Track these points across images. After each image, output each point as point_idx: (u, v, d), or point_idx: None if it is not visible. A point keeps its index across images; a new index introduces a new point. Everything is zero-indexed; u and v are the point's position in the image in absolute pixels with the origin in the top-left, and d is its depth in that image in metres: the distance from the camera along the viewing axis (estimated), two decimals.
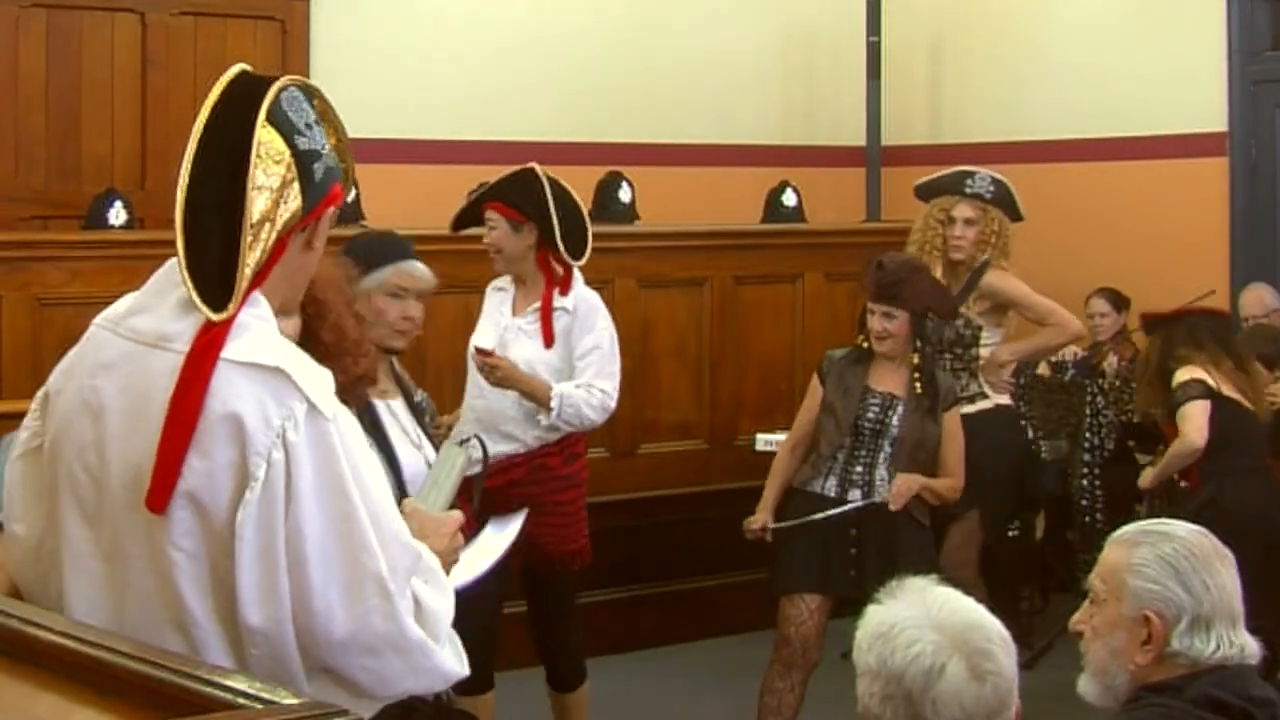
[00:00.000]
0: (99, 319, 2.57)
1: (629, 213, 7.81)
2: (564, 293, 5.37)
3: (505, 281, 5.51)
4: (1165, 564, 2.79)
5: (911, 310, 5.40)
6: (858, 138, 8.90)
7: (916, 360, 5.44)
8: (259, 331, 2.42)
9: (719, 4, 8.95)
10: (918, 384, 5.44)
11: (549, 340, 5.33)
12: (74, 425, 2.49)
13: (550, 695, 5.54)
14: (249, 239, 2.37)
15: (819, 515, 5.39)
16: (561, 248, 5.24)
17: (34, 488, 2.59)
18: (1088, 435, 7.22)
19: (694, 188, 8.64)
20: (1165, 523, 2.93)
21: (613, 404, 5.37)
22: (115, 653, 2.01)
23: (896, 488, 5.34)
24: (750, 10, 9.02)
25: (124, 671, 1.97)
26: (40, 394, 2.64)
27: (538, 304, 5.36)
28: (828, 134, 9.17)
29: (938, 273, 6.11)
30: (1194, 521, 2.95)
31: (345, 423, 2.43)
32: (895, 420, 5.42)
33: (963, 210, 6.14)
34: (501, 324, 5.38)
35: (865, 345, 5.53)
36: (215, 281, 2.38)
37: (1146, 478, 6.32)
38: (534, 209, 5.26)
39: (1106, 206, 8.41)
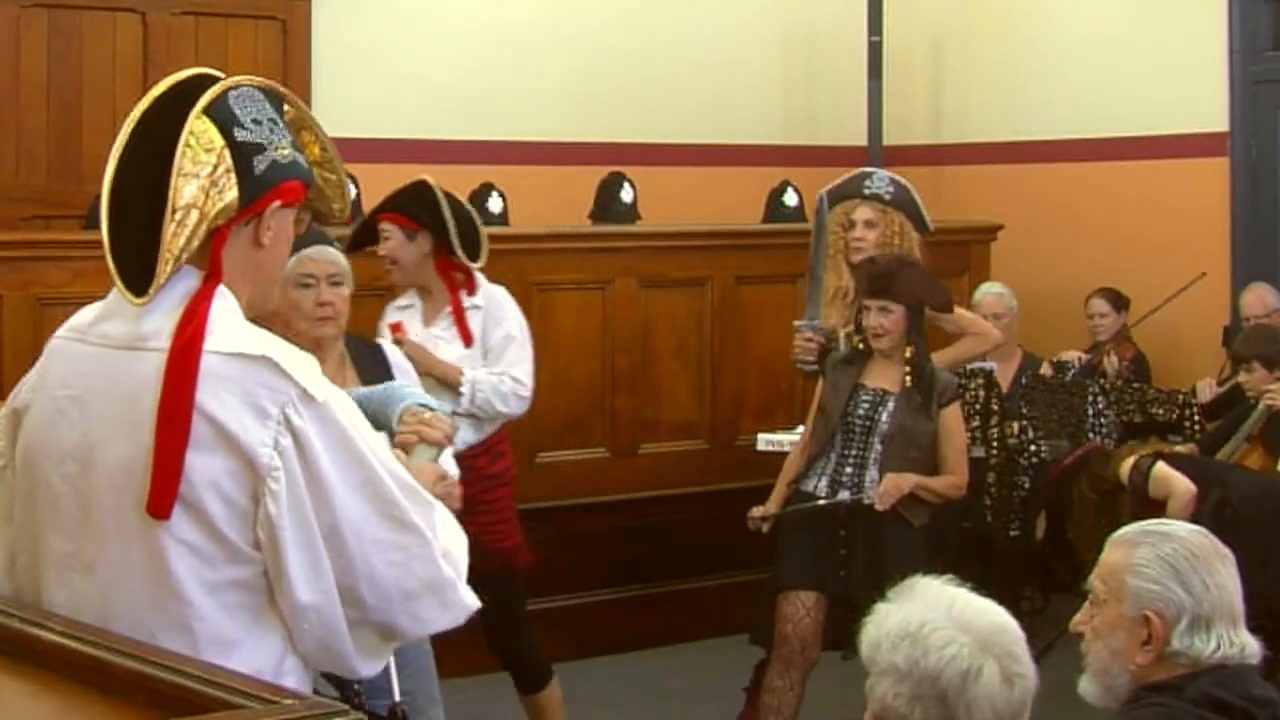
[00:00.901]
0: (60, 331, 2.59)
1: (630, 213, 7.81)
2: (470, 293, 5.44)
3: (408, 298, 5.51)
4: (1165, 564, 2.79)
5: (906, 303, 5.41)
6: (859, 138, 8.90)
7: (909, 354, 5.45)
8: (234, 323, 2.44)
9: (720, 4, 8.95)
10: (909, 378, 5.44)
11: (467, 340, 5.40)
12: (50, 437, 2.48)
13: (520, 698, 5.53)
14: (172, 225, 2.38)
15: (806, 506, 5.41)
16: (459, 250, 5.28)
17: (2, 509, 2.59)
18: (1089, 435, 7.22)
19: (695, 188, 8.64)
20: (1165, 523, 2.94)
21: (526, 394, 5.43)
22: (115, 652, 2.01)
23: (884, 488, 5.31)
24: (751, 10, 9.02)
25: (124, 671, 1.97)
26: (4, 412, 2.63)
27: (448, 309, 5.41)
28: (829, 134, 9.16)
29: (842, 279, 6.04)
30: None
31: (339, 399, 2.46)
32: (885, 417, 5.41)
33: (862, 213, 6.07)
34: (417, 337, 5.39)
35: (862, 346, 5.53)
36: (137, 267, 2.41)
37: None
38: (428, 215, 5.30)
39: (1106, 206, 8.41)
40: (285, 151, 2.51)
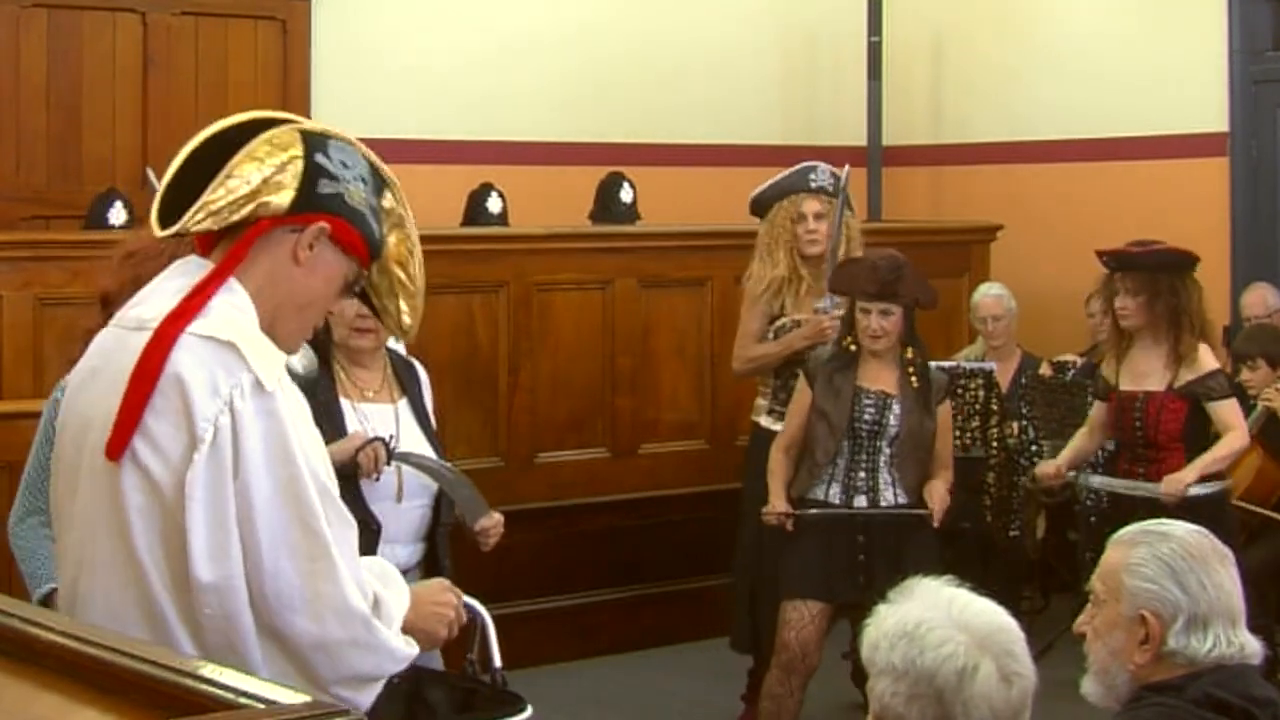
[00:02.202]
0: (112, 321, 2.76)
1: (630, 213, 7.81)
2: None
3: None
4: (1161, 564, 2.79)
5: (906, 305, 5.42)
6: (859, 138, 8.90)
7: (910, 354, 5.45)
8: (225, 313, 2.54)
9: (720, 4, 8.95)
10: (914, 379, 5.44)
11: None
12: (71, 405, 2.68)
13: None
14: (220, 187, 2.50)
15: (845, 511, 5.37)
16: None
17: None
18: None
19: (695, 188, 8.63)
20: (1164, 523, 2.94)
21: None
22: (116, 652, 2.01)
23: (937, 505, 5.35)
24: (751, 10, 9.01)
25: (124, 671, 1.97)
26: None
27: None
28: (828, 134, 9.15)
29: (784, 269, 6.08)
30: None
31: (289, 396, 2.54)
32: (892, 420, 5.41)
33: (811, 205, 6.16)
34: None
35: (853, 348, 5.51)
36: (178, 209, 2.54)
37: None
38: None
39: (1106, 206, 8.41)
40: (358, 199, 2.60)
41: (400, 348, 4.60)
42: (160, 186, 2.59)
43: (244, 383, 2.47)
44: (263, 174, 2.51)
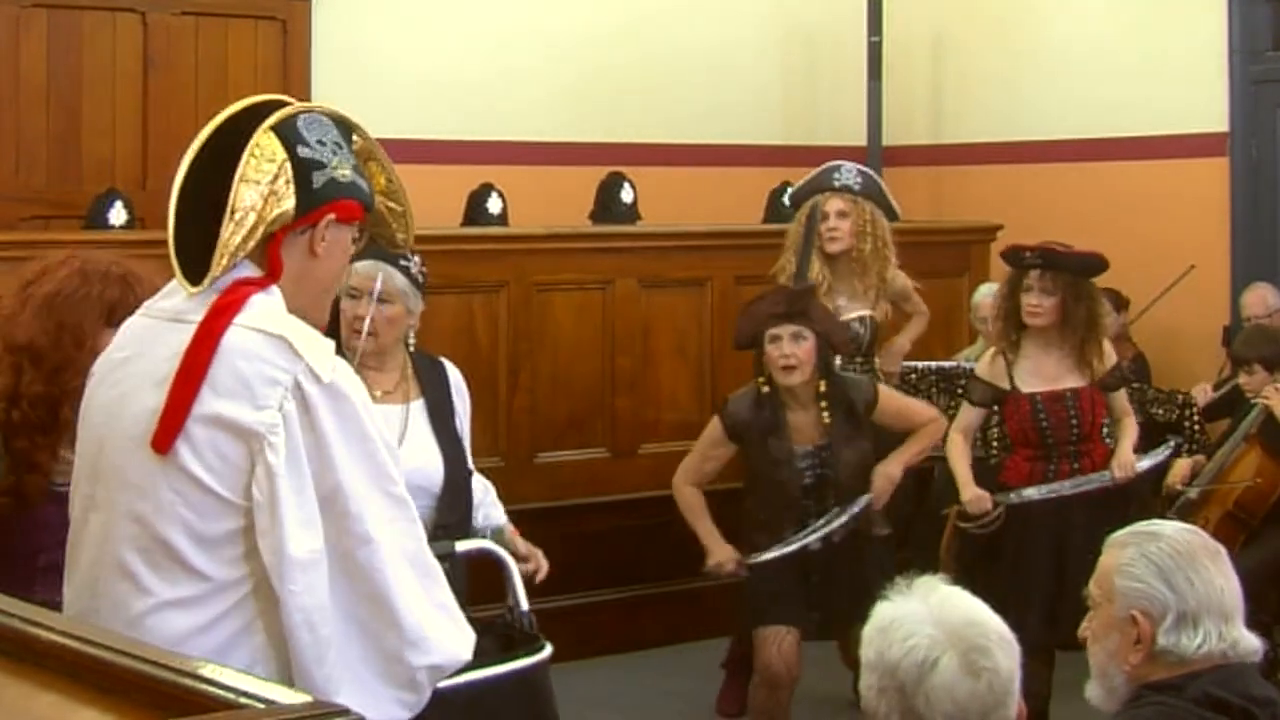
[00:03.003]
0: (136, 313, 2.81)
1: (630, 213, 7.81)
2: None
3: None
4: (1149, 563, 2.81)
5: (819, 332, 5.28)
6: (858, 138, 8.90)
7: (824, 388, 5.33)
8: (270, 308, 2.62)
9: (720, 4, 8.95)
10: (826, 414, 5.35)
11: None
12: (97, 393, 2.72)
13: None
14: (231, 225, 2.58)
15: (796, 539, 5.36)
16: None
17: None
18: None
19: (695, 188, 8.64)
20: (1154, 523, 2.96)
21: None
22: (115, 652, 2.01)
23: (878, 487, 5.39)
24: (751, 10, 9.02)
25: (124, 671, 1.97)
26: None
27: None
28: (828, 134, 9.16)
29: (815, 271, 6.10)
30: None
31: (348, 378, 2.63)
32: (834, 469, 5.39)
33: (834, 204, 6.17)
34: None
35: (766, 389, 5.40)
36: (196, 261, 2.61)
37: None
38: None
39: (1106, 206, 8.41)
40: (345, 172, 2.70)
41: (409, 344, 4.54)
42: (170, 236, 2.65)
43: (301, 371, 2.54)
44: (261, 193, 2.59)
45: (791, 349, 5.25)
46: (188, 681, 1.91)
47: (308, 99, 7.70)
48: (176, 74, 7.66)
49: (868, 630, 2.55)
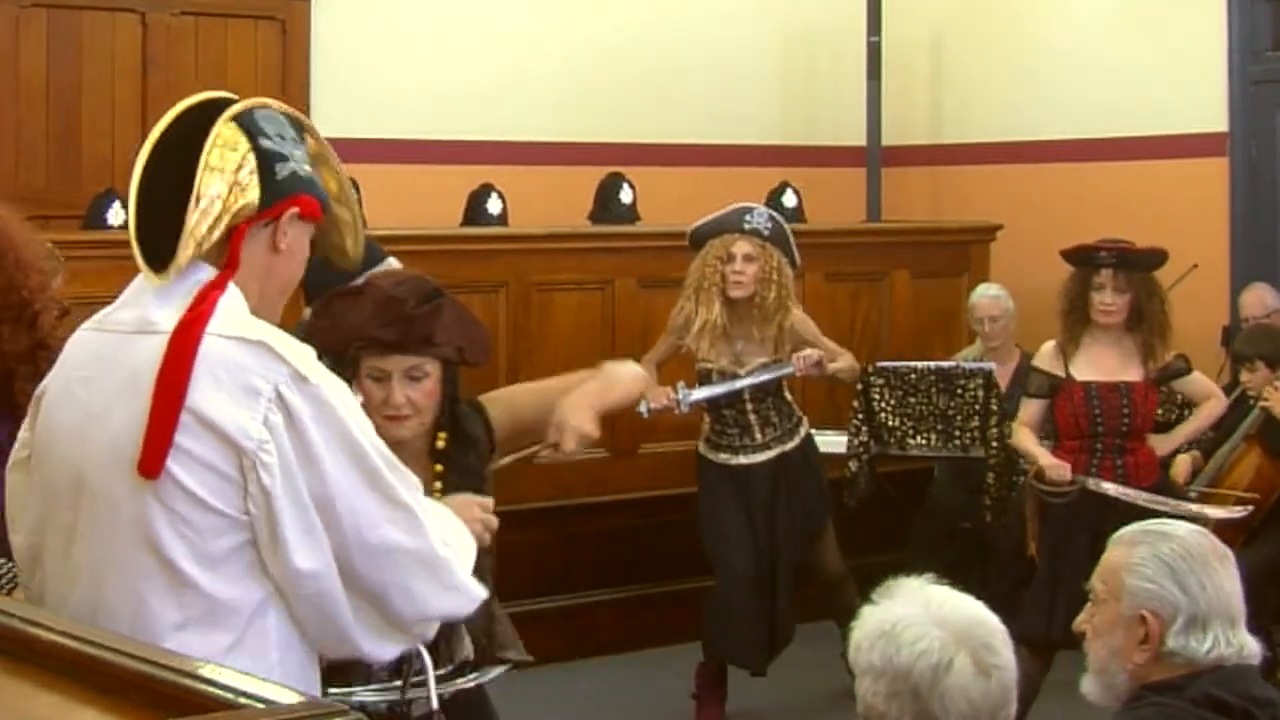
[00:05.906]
0: (81, 328, 2.70)
1: (630, 213, 7.82)
2: None
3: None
4: (1162, 563, 2.80)
5: (446, 358, 3.64)
6: (858, 138, 8.90)
7: (442, 444, 3.65)
8: (239, 313, 2.55)
9: (719, 4, 8.95)
10: (438, 487, 3.48)
11: None
12: (57, 415, 2.61)
13: None
14: (196, 213, 2.51)
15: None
16: None
17: (25, 498, 2.69)
18: None
19: (694, 188, 8.63)
20: (1165, 523, 2.95)
21: None
22: (115, 652, 2.01)
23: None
24: (750, 10, 9.02)
25: (124, 671, 1.97)
26: (33, 400, 2.75)
27: None
28: (828, 134, 9.17)
29: (714, 313, 6.10)
30: None
31: (329, 381, 2.56)
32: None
33: (742, 247, 6.11)
34: None
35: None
36: (160, 249, 2.53)
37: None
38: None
39: (1106, 206, 8.41)
40: (305, 168, 2.66)
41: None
42: (131, 225, 2.56)
43: (286, 377, 2.49)
44: (226, 182, 2.54)
45: (404, 393, 3.59)
46: (188, 681, 1.91)
47: (307, 99, 7.72)
48: (176, 74, 7.65)
49: (863, 635, 2.54)
